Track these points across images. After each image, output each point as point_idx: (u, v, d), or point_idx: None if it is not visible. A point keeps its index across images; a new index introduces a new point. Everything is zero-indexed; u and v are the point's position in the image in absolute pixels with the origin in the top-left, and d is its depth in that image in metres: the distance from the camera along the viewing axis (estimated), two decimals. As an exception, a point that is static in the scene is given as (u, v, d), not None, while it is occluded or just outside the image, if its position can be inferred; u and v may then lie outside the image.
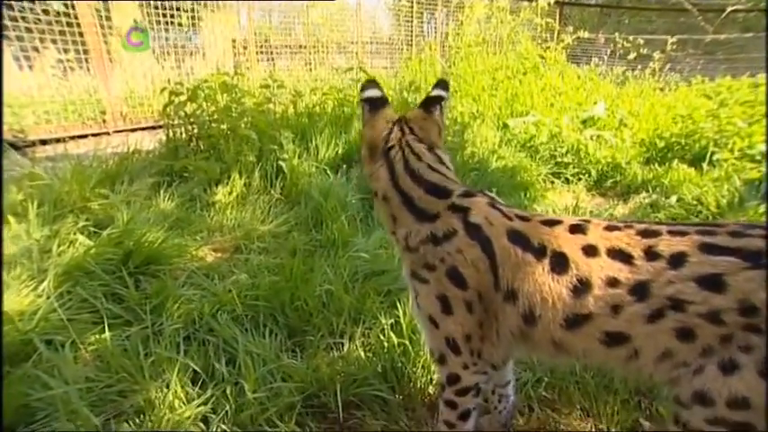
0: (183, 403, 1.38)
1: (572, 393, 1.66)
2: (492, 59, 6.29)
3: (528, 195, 3.36)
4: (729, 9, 7.98)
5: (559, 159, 4.45)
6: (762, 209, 3.00)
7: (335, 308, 1.86)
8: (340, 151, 3.79)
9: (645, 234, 1.06)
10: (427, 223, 1.16)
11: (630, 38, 7.89)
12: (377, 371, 1.60)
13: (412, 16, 8.57)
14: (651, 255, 1.02)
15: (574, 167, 4.42)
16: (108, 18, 5.70)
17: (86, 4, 4.70)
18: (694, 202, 3.63)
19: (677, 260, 1.00)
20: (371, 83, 1.37)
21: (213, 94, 3.85)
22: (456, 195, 1.19)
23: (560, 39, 7.76)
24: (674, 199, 3.74)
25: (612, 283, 1.03)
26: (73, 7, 4.60)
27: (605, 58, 9.24)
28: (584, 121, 5.06)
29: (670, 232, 1.05)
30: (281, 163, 3.50)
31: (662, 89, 7.98)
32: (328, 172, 3.57)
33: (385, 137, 1.24)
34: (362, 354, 1.70)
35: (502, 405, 1.52)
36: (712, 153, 4.37)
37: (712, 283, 0.96)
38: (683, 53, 9.57)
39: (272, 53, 8.35)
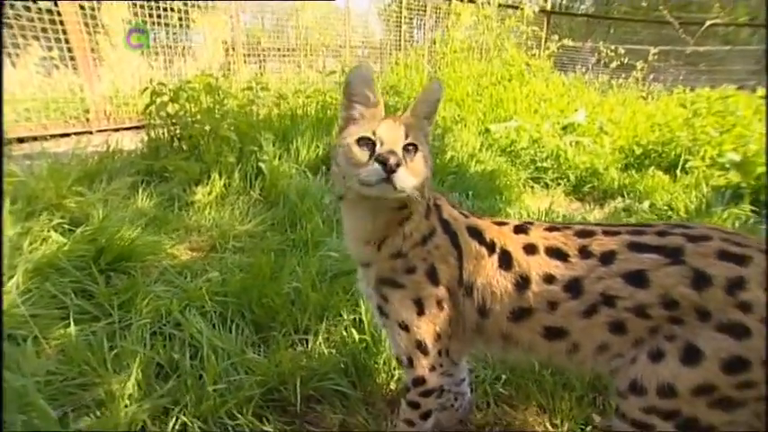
0: (145, 395, 1.41)
1: (530, 390, 1.71)
2: (478, 66, 6.40)
3: (503, 199, 3.43)
4: (708, 23, 8.24)
5: (539, 164, 4.55)
6: (726, 214, 3.10)
7: (302, 305, 1.90)
8: (321, 153, 3.84)
9: (581, 234, 1.14)
10: (426, 220, 1.19)
11: (613, 47, 8.06)
12: (338, 366, 1.64)
13: (401, 21, 8.68)
14: (585, 253, 1.10)
15: (553, 172, 4.51)
16: (93, 17, 5.69)
17: (71, 2, 4.69)
18: (665, 208, 3.74)
19: (607, 258, 1.07)
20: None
21: (196, 95, 3.88)
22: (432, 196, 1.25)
23: (546, 47, 7.93)
24: (646, 204, 3.84)
25: (549, 279, 1.11)
26: (56, 4, 4.59)
27: (590, 66, 9.43)
28: (564, 128, 5.16)
29: (604, 232, 1.13)
30: (260, 164, 3.53)
31: (645, 98, 8.17)
32: (308, 173, 3.61)
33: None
34: (325, 349, 1.73)
35: (458, 403, 1.56)
36: (686, 160, 4.50)
37: (637, 278, 1.03)
38: (665, 63, 9.81)
39: (262, 56, 8.40)
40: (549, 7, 9.37)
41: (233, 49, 7.49)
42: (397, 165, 1.00)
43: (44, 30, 4.58)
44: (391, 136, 1.07)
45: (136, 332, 1.67)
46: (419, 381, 1.21)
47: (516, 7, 7.51)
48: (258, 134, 3.72)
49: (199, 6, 7.18)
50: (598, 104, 6.47)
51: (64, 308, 1.80)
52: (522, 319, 1.14)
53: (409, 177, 1.03)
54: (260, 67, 8.20)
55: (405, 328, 1.17)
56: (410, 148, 1.09)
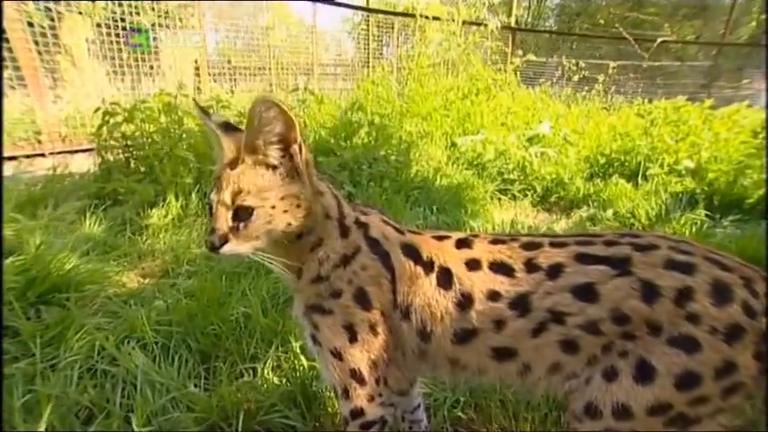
0: (63, 444, 1.27)
1: (492, 412, 1.63)
2: (445, 81, 6.47)
3: (469, 212, 3.41)
4: (659, 40, 8.74)
5: (506, 176, 4.57)
6: (683, 220, 3.16)
7: (250, 331, 1.79)
8: (284, 171, 3.74)
9: (527, 247, 1.07)
10: (344, 240, 1.09)
11: (575, 61, 8.35)
12: (287, 396, 1.53)
13: (368, 39, 8.78)
14: (531, 267, 1.03)
15: (520, 184, 4.54)
16: (55, 35, 5.52)
17: (18, 17, 4.51)
18: (628, 215, 3.80)
19: (555, 271, 1.00)
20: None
21: (154, 115, 3.75)
22: (354, 210, 1.16)
23: (511, 61, 8.13)
24: (610, 212, 3.89)
25: (494, 296, 1.03)
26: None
27: (555, 80, 9.74)
28: (529, 139, 5.24)
29: (551, 244, 1.06)
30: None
31: (607, 109, 8.45)
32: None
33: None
34: (274, 378, 1.62)
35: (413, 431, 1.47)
36: (646, 168, 4.62)
37: (586, 292, 0.97)
38: (625, 77, 10.24)
39: (232, 75, 8.32)
40: (513, 24, 9.65)
41: (197, 68, 7.39)
42: (221, 243, 0.96)
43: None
44: (216, 208, 0.99)
45: (62, 371, 1.52)
46: (357, 412, 1.11)
47: (480, 24, 7.70)
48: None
49: (167, 26, 7.08)
50: (562, 116, 6.62)
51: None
52: (467, 341, 1.06)
53: (242, 245, 0.98)
54: (231, 86, 8.12)
55: (337, 356, 1.08)
56: (241, 213, 0.97)
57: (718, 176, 3.88)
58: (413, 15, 7.38)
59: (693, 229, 3.08)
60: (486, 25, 7.49)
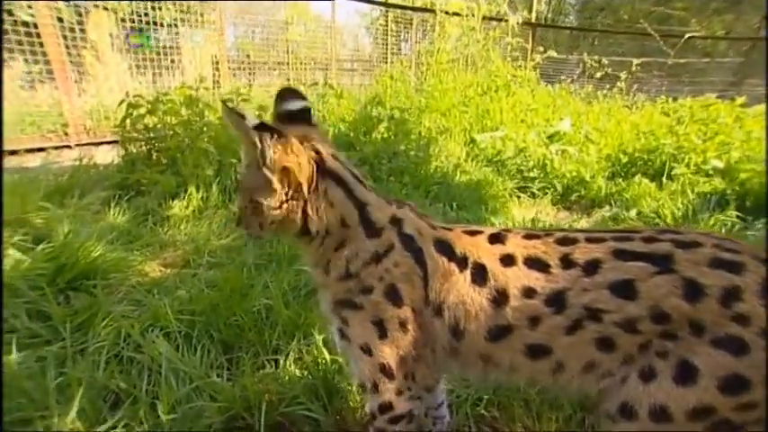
0: (92, 426, 1.29)
1: (515, 411, 1.61)
2: (464, 77, 6.40)
3: (489, 209, 3.36)
4: (687, 36, 8.43)
5: (526, 174, 4.50)
6: (712, 221, 3.06)
7: (272, 323, 1.79)
8: (303, 165, 3.75)
9: (562, 242, 1.04)
10: (375, 239, 1.06)
11: (596, 58, 8.16)
12: (309, 389, 1.53)
13: (387, 35, 8.74)
14: (567, 263, 1.00)
15: (540, 182, 4.46)
16: (83, 30, 5.63)
17: (48, 13, 4.61)
18: (653, 215, 3.70)
19: (592, 267, 0.97)
20: (290, 90, 1.22)
21: (175, 108, 3.79)
22: (393, 205, 1.13)
23: (531, 58, 8.00)
24: (633, 212, 3.80)
25: (529, 293, 1.00)
26: (32, 16, 4.52)
27: (575, 77, 9.55)
28: (550, 137, 5.14)
29: (588, 239, 1.03)
30: (239, 177, 3.44)
31: (629, 108, 8.26)
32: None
33: (318, 156, 1.06)
34: (296, 371, 1.62)
35: (437, 428, 1.46)
36: (671, 168, 4.49)
37: (624, 289, 0.94)
38: (648, 75, 9.97)
39: (250, 70, 8.39)
40: (533, 20, 9.49)
41: (217, 62, 7.47)
42: (238, 225, 1.13)
43: (19, 42, 4.48)
44: None
45: (91, 356, 1.55)
46: (386, 407, 1.10)
47: (500, 19, 7.58)
48: (238, 147, 3.63)
49: (187, 21, 7.16)
50: (583, 114, 6.49)
51: (13, 332, 1.67)
52: (501, 338, 1.03)
53: (251, 230, 1.12)
54: (249, 81, 8.19)
55: (367, 351, 1.07)
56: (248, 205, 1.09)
57: (750, 177, 3.75)
58: (432, 11, 7.31)
59: (723, 231, 2.98)
60: (506, 21, 7.38)
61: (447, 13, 6.94)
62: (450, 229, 1.15)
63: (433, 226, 1.15)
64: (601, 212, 4.03)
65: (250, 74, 8.51)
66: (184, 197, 3.30)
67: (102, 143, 5.21)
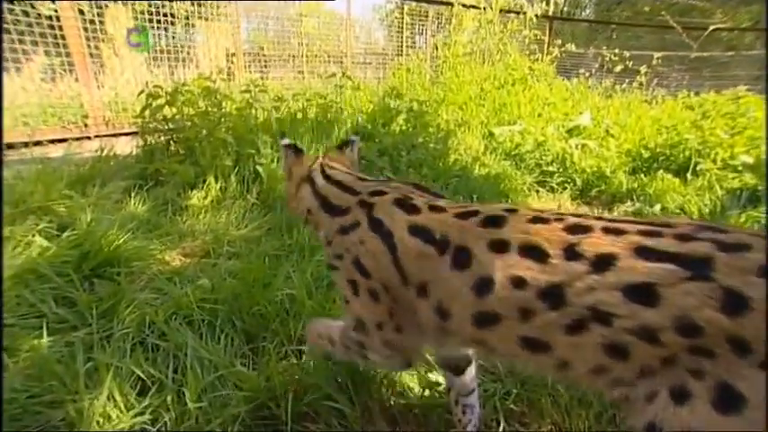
0: (121, 412, 1.28)
1: (543, 406, 1.57)
2: (481, 69, 6.31)
3: (509, 202, 3.31)
4: (711, 28, 8.13)
5: (545, 168, 4.42)
6: (742, 218, 2.97)
7: (296, 313, 1.78)
8: (320, 157, 3.73)
9: (573, 230, 0.91)
10: (338, 217, 1.25)
11: (616, 51, 7.98)
12: (334, 380, 1.51)
13: (402, 28, 8.65)
14: (572, 254, 0.88)
15: (559, 176, 4.38)
16: (102, 22, 5.69)
17: (70, 6, 4.65)
18: (678, 211, 3.61)
19: (603, 263, 0.85)
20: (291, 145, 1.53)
21: (194, 99, 3.80)
22: (365, 193, 1.23)
23: (549, 51, 7.85)
24: (657, 208, 3.71)
25: (518, 283, 0.90)
26: (55, 11, 4.56)
27: (594, 71, 9.36)
28: (569, 131, 5.05)
29: (605, 230, 0.89)
30: (258, 168, 3.44)
31: (648, 102, 8.07)
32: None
33: (309, 167, 1.42)
34: (321, 362, 1.60)
35: (467, 417, 1.43)
36: (696, 163, 4.38)
37: (643, 294, 0.81)
38: (669, 69, 9.72)
39: (264, 63, 8.40)
40: (551, 12, 9.31)
41: (232, 54, 7.49)
42: None
43: (42, 35, 4.53)
44: None
45: (117, 343, 1.55)
46: (360, 344, 1.24)
47: (518, 12, 7.45)
48: (256, 137, 3.63)
49: (201, 15, 7.19)
50: (603, 108, 6.36)
51: (42, 316, 1.68)
52: (488, 325, 0.96)
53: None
54: (262, 74, 8.21)
55: (348, 302, 1.23)
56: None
57: (784, 174, 3.63)
58: (450, 3, 7.21)
59: (756, 228, 2.89)
60: (524, 13, 7.24)
61: (464, 5, 6.84)
62: (441, 211, 1.09)
63: (415, 209, 1.11)
64: (623, 207, 3.95)
65: (264, 67, 8.53)
66: (203, 187, 3.31)
67: (121, 134, 5.26)
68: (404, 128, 3.87)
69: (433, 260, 1.02)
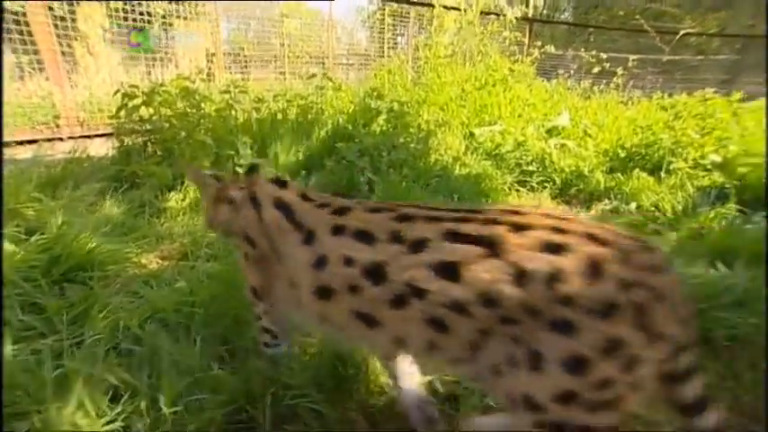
0: (91, 420, 1.24)
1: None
2: (461, 71, 6.36)
3: (489, 202, 3.34)
4: (682, 32, 8.47)
5: (525, 168, 4.48)
6: (713, 214, 3.07)
7: (275, 315, 1.75)
8: (300, 157, 3.71)
9: (401, 219, 1.07)
10: (231, 204, 1.43)
11: (593, 53, 8.19)
12: (313, 381, 1.49)
13: (384, 29, 8.68)
14: (395, 239, 1.03)
15: (539, 176, 4.45)
16: (74, 20, 5.53)
17: (39, 2, 4.51)
18: (652, 209, 3.71)
19: (417, 246, 0.99)
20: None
21: (171, 99, 3.73)
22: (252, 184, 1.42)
23: (529, 53, 7.98)
24: (633, 206, 3.81)
25: (348, 261, 1.07)
26: (22, 6, 4.41)
27: (572, 72, 9.55)
28: (548, 131, 5.13)
29: (426, 218, 1.04)
30: (237, 169, 3.39)
31: (625, 103, 8.27)
32: (287, 178, 3.47)
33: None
34: (299, 362, 1.59)
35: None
36: (669, 162, 4.50)
37: (447, 271, 0.94)
38: (644, 71, 10.00)
39: (244, 63, 8.31)
40: (530, 15, 9.46)
41: (212, 54, 7.39)
42: None
43: (9, 31, 4.38)
44: None
45: (88, 349, 1.50)
46: (257, 317, 1.50)
47: (498, 14, 7.54)
48: (236, 139, 3.58)
49: (179, 14, 7.06)
50: (581, 108, 6.48)
51: (5, 324, 1.61)
52: (326, 298, 1.13)
53: None
54: (243, 74, 8.12)
55: (245, 276, 1.46)
56: None
57: (749, 171, 3.76)
58: (430, 5, 7.26)
59: (723, 224, 2.99)
60: (504, 15, 7.34)
61: (445, 7, 6.89)
62: (307, 199, 1.30)
63: (285, 185, 1.38)
64: (600, 206, 4.03)
65: (245, 67, 8.44)
66: (181, 189, 3.25)
67: (95, 136, 5.13)
68: (384, 128, 3.87)
69: (289, 235, 1.22)
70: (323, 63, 9.01)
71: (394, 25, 8.92)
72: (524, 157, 4.52)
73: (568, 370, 0.86)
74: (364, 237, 1.06)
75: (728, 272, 2.43)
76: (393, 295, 0.99)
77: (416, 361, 1.34)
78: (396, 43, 8.94)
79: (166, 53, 7.06)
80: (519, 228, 0.93)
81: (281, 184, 1.38)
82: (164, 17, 6.95)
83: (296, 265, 1.18)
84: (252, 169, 1.47)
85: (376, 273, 1.01)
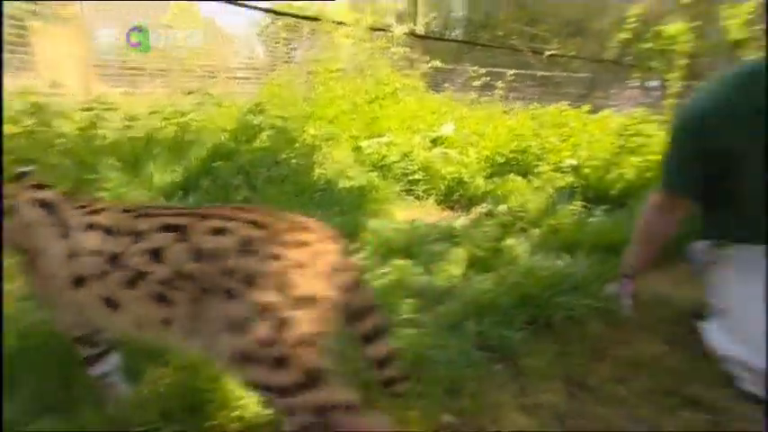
0: None
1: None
2: (352, 84, 6.54)
3: (370, 212, 3.47)
4: (547, 53, 9.85)
5: (411, 177, 4.74)
6: (565, 211, 3.56)
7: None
8: (179, 178, 3.51)
9: (139, 216, 1.31)
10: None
11: (476, 68, 9.00)
12: (161, 412, 1.42)
13: (278, 42, 8.60)
14: (128, 232, 1.28)
15: (424, 184, 4.73)
16: None
17: None
18: (520, 209, 4.14)
19: (138, 237, 1.25)
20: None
21: (15, 116, 3.31)
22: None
23: (417, 67, 8.48)
24: (504, 207, 4.22)
25: (96, 253, 1.28)
26: None
27: (460, 85, 10.38)
28: (433, 141, 5.49)
29: (152, 214, 1.31)
30: (102, 194, 3.11)
31: (507, 113, 9.17)
32: (163, 200, 3.27)
33: None
34: (153, 393, 1.50)
35: None
36: (536, 166, 5.08)
37: (156, 255, 1.20)
38: (522, 84, 11.24)
39: (131, 76, 7.64)
40: (419, 31, 10.08)
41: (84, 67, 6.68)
42: None
43: None
44: None
45: None
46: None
47: (386, 30, 7.92)
48: (97, 162, 3.28)
49: (36, 14, 6.27)
50: (467, 118, 7.02)
51: None
52: (80, 285, 1.28)
53: None
54: (126, 88, 7.45)
55: None
56: None
57: (591, 172, 4.41)
58: (319, 19, 7.38)
59: (573, 218, 3.46)
60: (392, 32, 7.71)
61: (334, 21, 7.05)
62: (71, 201, 1.43)
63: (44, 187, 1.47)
64: (479, 209, 4.40)
65: (128, 81, 7.75)
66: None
67: None
68: (266, 144, 3.84)
69: (50, 230, 1.34)
70: (216, 77, 8.64)
71: (288, 39, 8.88)
72: (410, 167, 4.77)
73: (231, 330, 1.08)
74: (110, 231, 1.28)
75: (571, 261, 2.81)
76: (126, 278, 1.21)
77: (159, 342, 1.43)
78: (290, 57, 8.89)
79: (22, 61, 6.21)
80: (204, 217, 1.21)
81: (42, 187, 1.48)
82: (18, 18, 6.11)
83: (55, 259, 1.31)
84: (18, 177, 1.50)
85: (114, 261, 1.23)
